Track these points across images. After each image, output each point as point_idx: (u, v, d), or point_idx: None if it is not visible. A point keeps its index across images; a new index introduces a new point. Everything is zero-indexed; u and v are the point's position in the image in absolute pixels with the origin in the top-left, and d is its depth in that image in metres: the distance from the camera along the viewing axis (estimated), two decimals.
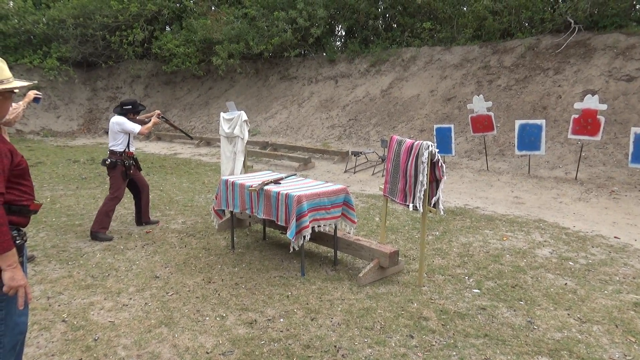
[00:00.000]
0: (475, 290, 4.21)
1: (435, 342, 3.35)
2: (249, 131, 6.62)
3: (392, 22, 17.25)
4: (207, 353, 3.24)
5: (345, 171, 10.36)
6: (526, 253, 5.17)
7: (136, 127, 5.71)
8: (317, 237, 4.96)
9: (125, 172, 5.73)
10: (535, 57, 12.26)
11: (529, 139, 8.72)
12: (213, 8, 18.80)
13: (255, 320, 3.69)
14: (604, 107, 8.04)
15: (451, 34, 14.63)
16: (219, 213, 5.66)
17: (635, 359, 3.13)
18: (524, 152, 8.95)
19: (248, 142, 6.92)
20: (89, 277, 4.58)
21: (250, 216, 5.47)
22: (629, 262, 4.93)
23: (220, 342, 3.38)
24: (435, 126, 9.88)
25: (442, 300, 4.02)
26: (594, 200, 7.43)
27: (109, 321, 3.71)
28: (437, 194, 4.14)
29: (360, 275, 4.34)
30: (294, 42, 16.39)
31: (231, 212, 5.35)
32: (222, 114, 6.66)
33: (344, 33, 18.53)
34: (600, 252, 5.21)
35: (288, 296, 4.11)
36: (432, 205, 4.17)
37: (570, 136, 8.50)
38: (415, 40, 15.22)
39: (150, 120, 6.01)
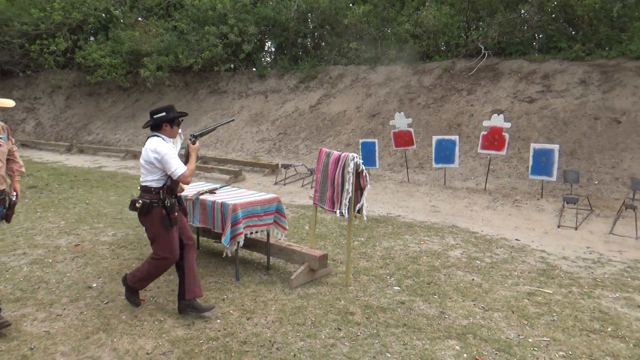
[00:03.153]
0: (395, 288, 4.67)
1: (360, 332, 3.73)
2: (181, 144, 6.75)
3: (321, 41, 17.94)
4: (148, 354, 3.39)
5: (276, 183, 10.67)
6: (440, 254, 5.74)
7: (180, 168, 3.78)
8: (251, 244, 5.21)
9: (167, 217, 3.83)
10: (450, 78, 13.33)
11: (445, 153, 9.53)
12: (141, 19, 18.51)
13: (192, 323, 3.88)
14: (508, 125, 9.01)
15: (375, 54, 15.49)
16: None
17: (527, 337, 3.69)
18: (440, 165, 9.75)
19: None
20: (17, 291, 4.51)
21: None
22: (526, 259, 5.65)
23: (160, 343, 3.54)
24: (361, 141, 10.48)
25: (366, 297, 4.43)
26: (499, 208, 8.29)
27: (44, 331, 3.73)
28: (362, 201, 4.58)
29: (292, 277, 4.66)
30: (224, 56, 16.56)
31: None
32: None
33: (274, 49, 18.96)
34: (503, 252, 5.91)
35: (224, 299, 4.33)
36: (356, 211, 4.59)
37: (479, 151, 9.41)
38: (343, 59, 15.94)
39: (188, 152, 4.08)
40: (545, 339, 3.66)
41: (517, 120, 11.04)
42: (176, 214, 3.91)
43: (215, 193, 5.08)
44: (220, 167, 11.82)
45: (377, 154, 10.23)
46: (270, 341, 3.58)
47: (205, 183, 5.80)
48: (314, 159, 11.22)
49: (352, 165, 4.43)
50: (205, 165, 12.19)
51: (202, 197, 4.89)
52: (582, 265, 5.49)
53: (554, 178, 8.39)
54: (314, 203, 5.18)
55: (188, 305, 3.96)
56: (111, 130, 17.93)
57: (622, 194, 8.19)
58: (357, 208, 4.59)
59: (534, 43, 13.66)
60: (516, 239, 6.55)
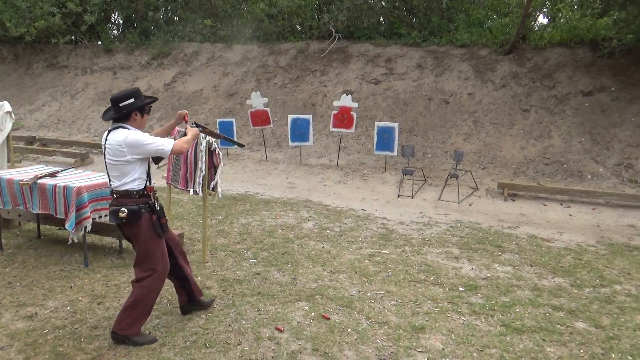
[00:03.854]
0: (252, 260, 4.89)
1: (217, 305, 3.88)
2: (13, 124, 6.10)
3: (174, 16, 17.16)
4: None
5: None
6: (295, 227, 6.11)
7: (167, 143, 3.21)
8: (101, 228, 4.98)
9: (158, 222, 3.26)
10: (305, 59, 13.83)
11: (300, 132, 9.97)
12: None
13: (35, 314, 3.66)
14: (355, 104, 9.73)
15: (232, 32, 15.34)
16: None
17: (366, 292, 4.19)
18: (296, 144, 10.17)
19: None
20: None
21: (20, 215, 5.14)
22: (369, 226, 6.29)
23: None
24: (218, 120, 10.43)
25: (223, 271, 4.58)
26: (350, 182, 8.99)
27: None
28: (215, 179, 4.67)
29: None
30: (63, 27, 14.96)
31: None
32: None
33: (122, 22, 17.63)
34: (350, 221, 6.49)
35: (71, 287, 4.13)
36: (211, 189, 4.68)
37: (331, 129, 10.03)
38: (197, 36, 15.49)
39: (184, 130, 3.63)
40: (381, 292, 4.20)
41: (365, 101, 11.93)
42: (165, 219, 3.34)
43: (56, 176, 4.73)
44: (64, 150, 10.83)
45: (235, 133, 10.28)
46: None
47: (44, 167, 5.34)
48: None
49: (204, 143, 4.48)
50: (45, 148, 11.07)
51: (40, 181, 4.53)
52: (414, 228, 6.29)
53: (395, 153, 9.34)
54: (167, 183, 5.13)
55: (196, 305, 3.70)
56: None
57: (450, 165, 9.45)
58: (211, 186, 4.67)
59: (379, 28, 14.76)
60: (362, 209, 7.22)
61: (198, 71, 14.38)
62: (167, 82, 14.30)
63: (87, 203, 4.39)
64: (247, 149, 11.37)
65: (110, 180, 3.24)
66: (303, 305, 3.91)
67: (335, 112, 9.83)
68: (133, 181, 3.18)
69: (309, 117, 10.04)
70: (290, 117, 10.12)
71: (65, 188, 4.35)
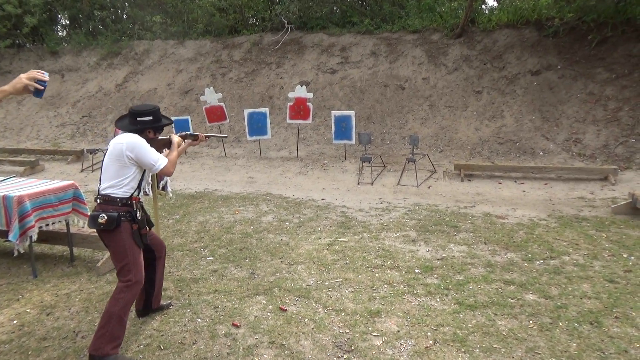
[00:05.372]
0: (209, 258, 4.82)
1: (172, 305, 3.81)
2: None
3: (122, 14, 16.66)
4: None
5: (82, 170, 9.83)
6: (254, 221, 6.06)
7: (162, 160, 3.17)
8: (50, 237, 4.82)
9: (138, 233, 3.19)
10: (260, 52, 13.69)
11: (257, 126, 9.88)
12: None
13: None
14: (310, 95, 9.71)
15: (183, 28, 15.02)
16: None
17: (324, 281, 4.20)
18: (254, 137, 10.09)
19: None
20: None
21: None
22: (329, 216, 6.30)
23: None
24: (174, 118, 10.21)
25: (179, 271, 4.50)
26: (310, 173, 8.99)
27: None
28: (164, 178, 4.57)
29: (99, 264, 4.47)
30: (2, 31, 14.30)
31: None
32: None
33: (67, 22, 17.00)
34: (310, 212, 6.49)
35: (19, 299, 3.98)
36: (160, 188, 4.57)
37: (288, 121, 9.99)
38: (147, 34, 15.10)
39: (172, 143, 3.48)
40: (338, 280, 4.22)
41: (322, 91, 11.93)
42: (146, 229, 3.28)
43: None
44: (12, 159, 10.40)
45: (191, 131, 10.08)
46: (74, 332, 3.44)
47: None
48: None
49: None
50: None
51: None
52: (373, 214, 6.35)
53: (353, 141, 9.38)
54: None
55: (155, 310, 3.68)
56: None
57: (408, 150, 9.57)
58: (160, 185, 4.57)
59: (332, 18, 14.74)
60: (322, 199, 7.23)
61: (150, 69, 14.03)
62: (119, 82, 13.90)
63: (30, 212, 4.22)
64: (205, 146, 11.20)
65: (100, 182, 3.17)
66: (261, 299, 3.89)
67: (291, 103, 9.78)
68: (121, 187, 3.11)
69: (266, 110, 9.96)
70: (246, 112, 10.01)
71: (4, 198, 4.17)
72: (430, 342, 3.19)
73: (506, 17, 11.48)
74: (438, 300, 3.80)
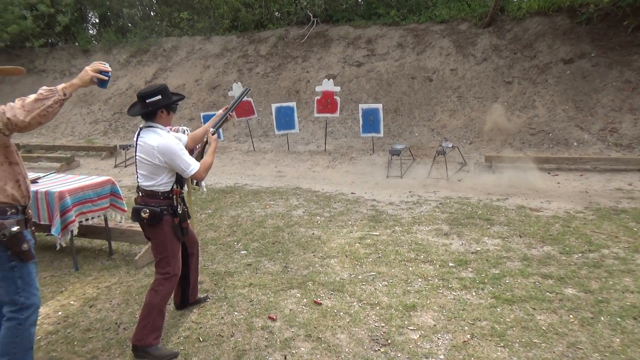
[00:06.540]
0: (242, 252, 4.88)
1: (209, 298, 3.88)
2: None
3: (150, 11, 16.91)
4: None
5: (116, 166, 10.07)
6: (285, 215, 6.11)
7: (194, 165, 3.10)
8: (89, 231, 4.96)
9: (179, 226, 3.22)
10: (285, 46, 13.70)
11: (285, 120, 9.92)
12: None
13: None
14: (337, 88, 9.68)
15: (209, 24, 15.15)
16: None
17: (357, 275, 4.20)
18: (282, 132, 10.13)
19: None
20: None
21: None
22: (359, 209, 6.29)
23: None
24: (202, 114, 10.35)
25: (214, 265, 4.58)
26: (338, 166, 8.98)
27: None
28: None
29: (137, 258, 4.59)
30: (36, 30, 14.71)
31: None
32: None
33: (97, 21, 17.36)
34: (340, 206, 6.49)
35: (62, 292, 4.11)
36: (194, 183, 4.64)
37: (316, 115, 9.99)
38: (175, 30, 15.29)
39: (207, 139, 3.50)
40: (372, 274, 4.22)
41: (349, 84, 11.88)
42: (187, 223, 3.31)
43: (37, 182, 4.68)
44: (49, 155, 10.73)
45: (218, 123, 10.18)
46: (116, 323, 3.54)
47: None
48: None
49: (184, 139, 4.43)
50: (30, 155, 10.95)
51: None
52: (404, 208, 6.31)
53: (381, 134, 9.32)
54: None
55: (192, 303, 3.76)
56: None
57: (437, 142, 9.46)
58: (194, 180, 4.64)
59: (357, 10, 14.63)
60: (352, 193, 7.22)
61: (179, 66, 14.22)
62: (148, 79, 14.13)
63: (70, 207, 4.35)
64: (234, 141, 11.31)
65: (137, 177, 3.15)
66: (295, 292, 3.92)
67: (319, 97, 9.77)
68: (160, 184, 3.11)
69: (293, 104, 9.98)
70: (274, 106, 10.06)
71: (46, 193, 4.31)
72: (468, 336, 3.17)
73: (537, 5, 11.18)
74: (474, 294, 3.77)
